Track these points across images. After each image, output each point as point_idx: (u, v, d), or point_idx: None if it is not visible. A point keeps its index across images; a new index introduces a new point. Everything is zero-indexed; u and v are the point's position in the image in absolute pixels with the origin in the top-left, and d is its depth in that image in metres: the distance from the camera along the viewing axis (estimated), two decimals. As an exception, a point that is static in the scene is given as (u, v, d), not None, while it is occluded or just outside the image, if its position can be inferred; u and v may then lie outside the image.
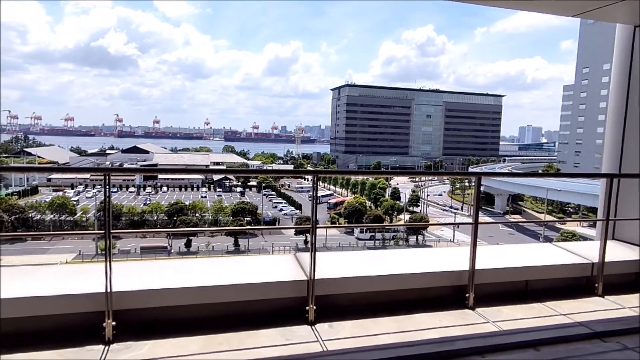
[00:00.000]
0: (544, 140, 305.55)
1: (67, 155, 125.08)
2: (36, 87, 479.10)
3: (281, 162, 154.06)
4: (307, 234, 54.37)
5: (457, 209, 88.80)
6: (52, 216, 61.15)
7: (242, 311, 3.82)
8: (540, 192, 78.32)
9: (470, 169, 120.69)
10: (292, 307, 3.87)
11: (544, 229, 67.08)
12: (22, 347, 3.18)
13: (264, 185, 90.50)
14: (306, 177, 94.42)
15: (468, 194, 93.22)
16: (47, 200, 66.09)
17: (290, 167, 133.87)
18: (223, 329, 3.57)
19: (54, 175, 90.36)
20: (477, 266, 4.23)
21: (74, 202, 67.54)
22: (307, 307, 3.78)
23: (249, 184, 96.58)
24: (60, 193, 76.19)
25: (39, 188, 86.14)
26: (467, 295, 4.25)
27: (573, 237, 51.97)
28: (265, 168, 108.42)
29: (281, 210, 76.35)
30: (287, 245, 56.92)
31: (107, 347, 3.26)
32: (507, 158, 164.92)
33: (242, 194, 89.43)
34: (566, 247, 5.50)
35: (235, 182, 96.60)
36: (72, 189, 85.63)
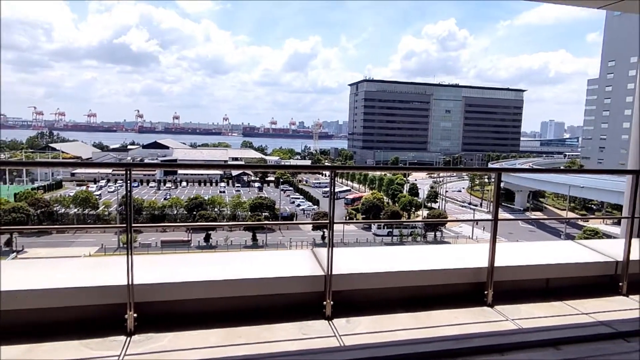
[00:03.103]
0: (566, 135, 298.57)
1: (90, 150, 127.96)
2: (61, 84, 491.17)
3: (299, 157, 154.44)
4: (325, 230, 54.49)
5: (476, 206, 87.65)
6: (75, 210, 62.68)
7: (259, 305, 3.86)
8: (562, 189, 76.61)
9: (490, 165, 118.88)
10: (309, 302, 3.89)
11: (565, 226, 65.64)
12: (49, 336, 3.28)
13: (281, 180, 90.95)
14: (324, 172, 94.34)
15: (487, 190, 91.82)
16: (71, 194, 67.75)
17: (307, 162, 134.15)
18: (241, 323, 3.62)
19: (78, 170, 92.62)
20: (497, 263, 4.18)
21: (97, 197, 69.11)
22: (325, 302, 3.79)
23: (267, 179, 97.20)
24: (84, 187, 78.09)
25: (63, 182, 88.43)
26: (485, 292, 4.20)
27: (596, 235, 50.69)
28: (283, 163, 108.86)
29: (299, 205, 76.63)
30: (304, 240, 57.13)
31: (129, 338, 3.34)
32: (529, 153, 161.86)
33: (260, 189, 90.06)
34: (589, 245, 5.38)
35: (253, 178, 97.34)
36: (95, 183, 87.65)
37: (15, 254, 48.40)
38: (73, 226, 44.70)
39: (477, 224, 65.01)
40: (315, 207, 75.20)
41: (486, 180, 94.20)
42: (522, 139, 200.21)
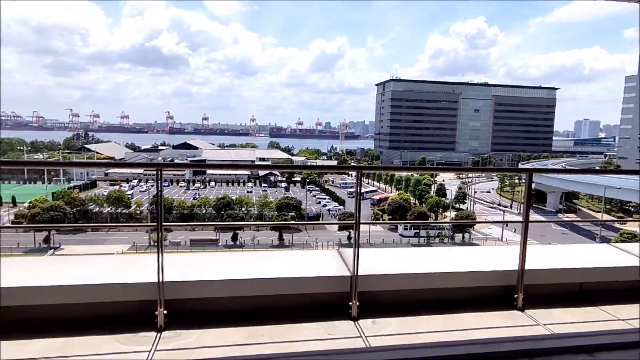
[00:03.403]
0: (602, 135, 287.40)
1: (123, 151, 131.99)
2: (96, 87, 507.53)
3: (325, 157, 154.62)
4: (351, 230, 54.31)
5: (506, 207, 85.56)
6: (109, 209, 64.69)
7: (285, 304, 3.89)
8: (597, 190, 73.76)
9: (521, 165, 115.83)
10: (334, 302, 3.89)
11: (600, 228, 63.24)
12: (83, 330, 3.41)
13: (308, 180, 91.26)
14: (350, 173, 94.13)
15: (518, 191, 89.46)
16: (105, 193, 69.94)
17: (334, 163, 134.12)
18: (267, 322, 3.65)
19: (111, 170, 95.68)
20: (527, 266, 4.08)
21: (129, 196, 71.10)
22: (350, 303, 3.78)
23: (293, 179, 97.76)
24: (117, 187, 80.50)
25: (98, 182, 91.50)
26: (515, 295, 4.10)
27: (633, 238, 48.60)
28: (309, 164, 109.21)
29: (325, 206, 76.69)
30: (330, 240, 57.14)
31: (159, 334, 3.42)
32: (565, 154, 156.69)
33: (287, 189, 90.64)
34: (625, 249, 5.17)
35: (280, 178, 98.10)
36: (127, 183, 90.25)
37: (52, 250, 50.40)
38: (106, 224, 46.31)
39: (507, 225, 63.48)
40: (341, 207, 75.09)
41: (516, 181, 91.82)
42: (554, 138, 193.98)
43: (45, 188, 77.67)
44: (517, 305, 4.08)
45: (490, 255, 4.91)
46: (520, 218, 4.20)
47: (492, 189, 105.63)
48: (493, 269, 4.27)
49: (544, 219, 73.10)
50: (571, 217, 78.73)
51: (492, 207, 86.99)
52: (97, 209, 64.53)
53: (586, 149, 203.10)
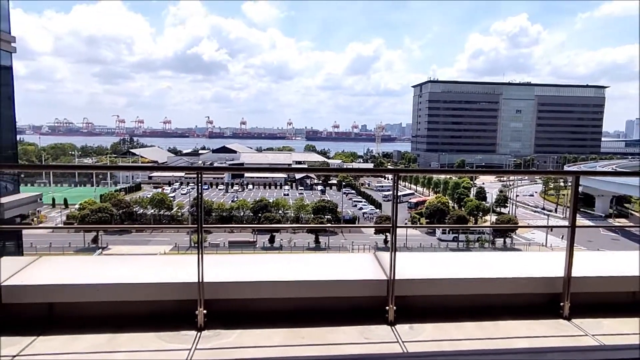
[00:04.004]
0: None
1: (165, 155, 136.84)
2: (140, 93, 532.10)
3: (361, 160, 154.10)
4: (387, 234, 53.75)
5: (551, 211, 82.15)
6: (152, 211, 67.13)
7: (322, 307, 3.89)
8: (652, 194, 69.58)
9: (566, 168, 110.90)
10: (371, 306, 3.86)
11: (656, 235, 59.50)
12: (127, 327, 3.55)
13: (344, 183, 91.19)
14: (386, 176, 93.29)
15: (563, 195, 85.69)
16: (149, 196, 72.67)
17: (370, 165, 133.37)
18: (304, 324, 3.67)
19: (154, 174, 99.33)
20: (574, 273, 3.89)
21: (171, 198, 73.54)
22: (387, 307, 3.74)
23: (329, 182, 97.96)
24: (160, 190, 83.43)
25: (142, 185, 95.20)
26: (561, 304, 3.92)
27: (694, 245, 45.40)
28: (345, 167, 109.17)
29: (361, 209, 76.32)
30: (366, 244, 56.80)
31: (199, 334, 3.51)
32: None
33: (323, 192, 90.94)
34: None
35: (316, 181, 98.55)
36: (170, 186, 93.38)
37: (100, 250, 52.85)
38: (150, 226, 48.16)
39: (551, 230, 60.90)
40: (378, 210, 74.48)
41: (562, 184, 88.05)
42: (603, 139, 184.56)
43: (94, 190, 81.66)
44: (563, 314, 3.90)
45: (534, 261, 4.73)
46: (565, 222, 4.01)
47: (536, 192, 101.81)
48: (536, 275, 4.11)
49: (592, 223, 69.58)
50: (622, 222, 74.51)
51: (535, 211, 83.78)
52: (142, 210, 67.10)
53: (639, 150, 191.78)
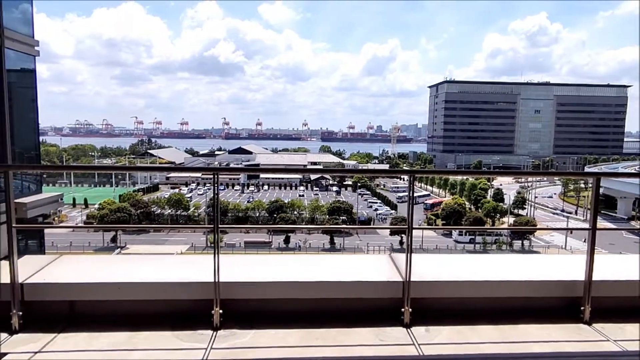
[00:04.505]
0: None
1: (182, 156, 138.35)
2: (158, 95, 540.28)
3: (376, 161, 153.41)
4: (403, 235, 53.37)
5: (570, 213, 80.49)
6: (169, 211, 67.98)
7: (336, 308, 3.89)
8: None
9: (587, 169, 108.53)
10: (386, 308, 3.84)
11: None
12: (145, 325, 3.60)
13: (359, 184, 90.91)
14: (402, 177, 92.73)
15: (584, 197, 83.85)
16: (166, 196, 73.58)
17: (385, 166, 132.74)
18: (318, 324, 3.67)
19: (172, 174, 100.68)
20: (595, 276, 3.80)
21: (188, 199, 74.33)
22: (403, 309, 3.72)
23: (344, 183, 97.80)
24: (177, 190, 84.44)
25: (160, 185, 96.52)
26: (582, 308, 3.83)
27: None
28: (360, 168, 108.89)
29: (376, 210, 75.98)
30: (382, 245, 56.51)
31: (215, 333, 3.55)
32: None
33: (338, 193, 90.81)
34: None
35: (331, 182, 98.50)
36: (186, 186, 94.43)
37: (119, 249, 53.71)
38: (167, 226, 48.86)
39: (571, 233, 59.65)
40: (393, 211, 74.05)
41: (582, 185, 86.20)
42: (626, 139, 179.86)
43: (112, 191, 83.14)
44: (583, 319, 3.82)
45: (553, 263, 4.64)
46: (586, 225, 3.92)
47: (555, 193, 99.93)
48: (556, 278, 4.03)
49: (613, 226, 67.93)
50: (646, 224, 72.61)
51: (554, 213, 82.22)
52: (159, 211, 68.01)
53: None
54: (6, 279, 3.46)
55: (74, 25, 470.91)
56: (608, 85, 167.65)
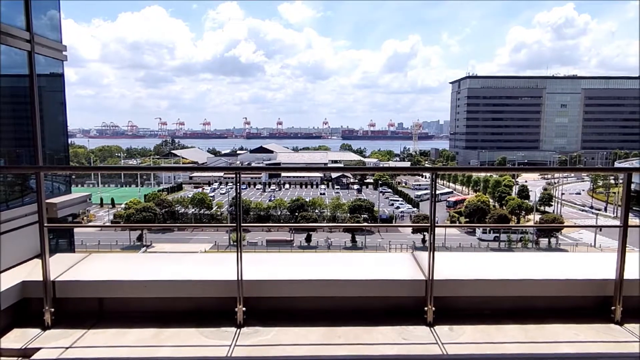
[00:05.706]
0: None
1: (205, 156, 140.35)
2: (181, 96, 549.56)
3: (398, 159, 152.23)
4: (425, 233, 52.84)
5: (600, 210, 78.09)
6: (193, 210, 69.06)
7: (359, 306, 3.88)
8: None
9: (617, 164, 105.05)
10: (409, 307, 3.81)
11: None
12: (171, 322, 3.68)
13: (380, 182, 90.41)
14: (424, 174, 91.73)
15: (614, 193, 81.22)
16: (189, 195, 74.76)
17: (407, 164, 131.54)
18: (341, 323, 3.67)
19: (195, 174, 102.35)
20: (627, 275, 3.68)
21: (211, 198, 75.32)
22: (426, 308, 3.69)
23: (365, 181, 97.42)
24: (200, 189, 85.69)
25: (183, 185, 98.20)
26: (612, 308, 3.72)
27: None
28: (381, 165, 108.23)
29: (398, 207, 75.43)
30: (404, 243, 56.07)
31: (238, 330, 3.59)
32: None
33: (359, 191, 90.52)
34: None
35: (352, 180, 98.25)
36: (209, 186, 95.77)
37: (145, 248, 54.91)
38: (191, 224, 49.80)
39: (600, 230, 57.89)
40: (415, 209, 73.35)
41: (612, 181, 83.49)
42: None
43: (138, 190, 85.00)
44: (614, 319, 3.70)
45: (581, 262, 4.52)
46: (617, 222, 3.80)
47: (583, 190, 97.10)
48: (584, 277, 3.92)
49: (646, 223, 65.57)
50: (680, 221, 69.83)
51: (583, 210, 79.91)
52: (183, 210, 69.19)
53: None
54: (39, 277, 3.58)
55: (100, 30, 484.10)
56: (639, 78, 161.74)
